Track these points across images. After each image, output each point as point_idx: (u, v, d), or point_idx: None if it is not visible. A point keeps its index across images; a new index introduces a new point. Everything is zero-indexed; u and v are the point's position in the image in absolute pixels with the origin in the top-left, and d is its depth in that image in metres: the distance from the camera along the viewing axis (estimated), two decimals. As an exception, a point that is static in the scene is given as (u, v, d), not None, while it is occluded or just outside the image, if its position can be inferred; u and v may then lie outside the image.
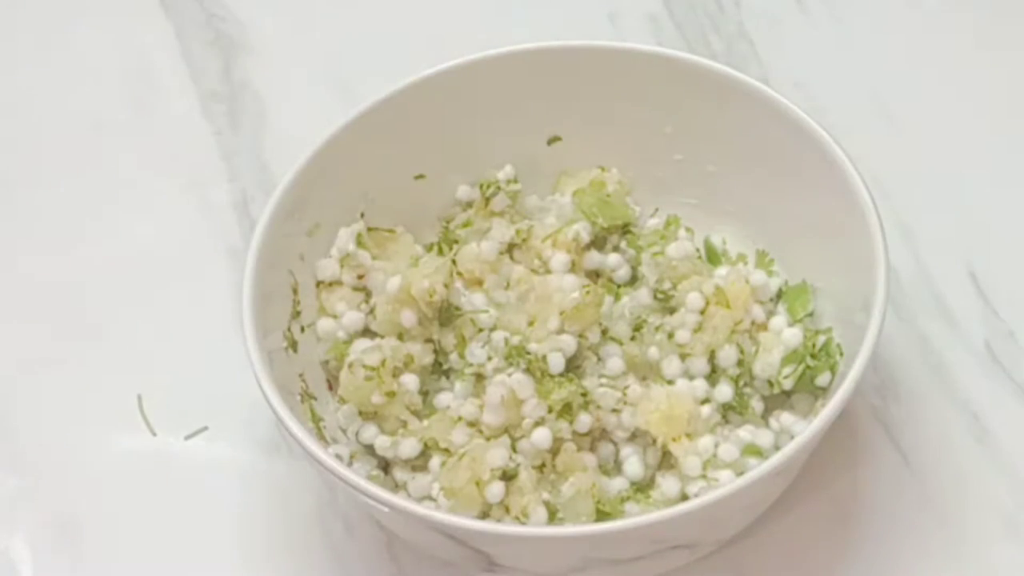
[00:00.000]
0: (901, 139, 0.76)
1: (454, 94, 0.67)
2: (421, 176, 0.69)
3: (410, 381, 0.63)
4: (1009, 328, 0.69)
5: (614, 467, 0.62)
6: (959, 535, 0.63)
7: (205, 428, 0.67)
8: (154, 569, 0.64)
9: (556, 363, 0.62)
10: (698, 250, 0.68)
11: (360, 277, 0.66)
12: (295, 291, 0.64)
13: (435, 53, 0.68)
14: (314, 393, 0.64)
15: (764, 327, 0.64)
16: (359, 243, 0.66)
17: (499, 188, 0.69)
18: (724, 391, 0.63)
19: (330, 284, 0.66)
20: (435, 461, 0.61)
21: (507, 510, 0.60)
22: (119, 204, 0.77)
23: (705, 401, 0.63)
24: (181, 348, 0.70)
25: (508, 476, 0.60)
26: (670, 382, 0.63)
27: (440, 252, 0.67)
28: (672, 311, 0.65)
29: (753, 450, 0.61)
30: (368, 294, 0.66)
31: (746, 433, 0.62)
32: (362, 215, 0.67)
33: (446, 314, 0.64)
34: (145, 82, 0.82)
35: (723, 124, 0.67)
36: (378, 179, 0.67)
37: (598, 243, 0.68)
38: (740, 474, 0.59)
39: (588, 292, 0.63)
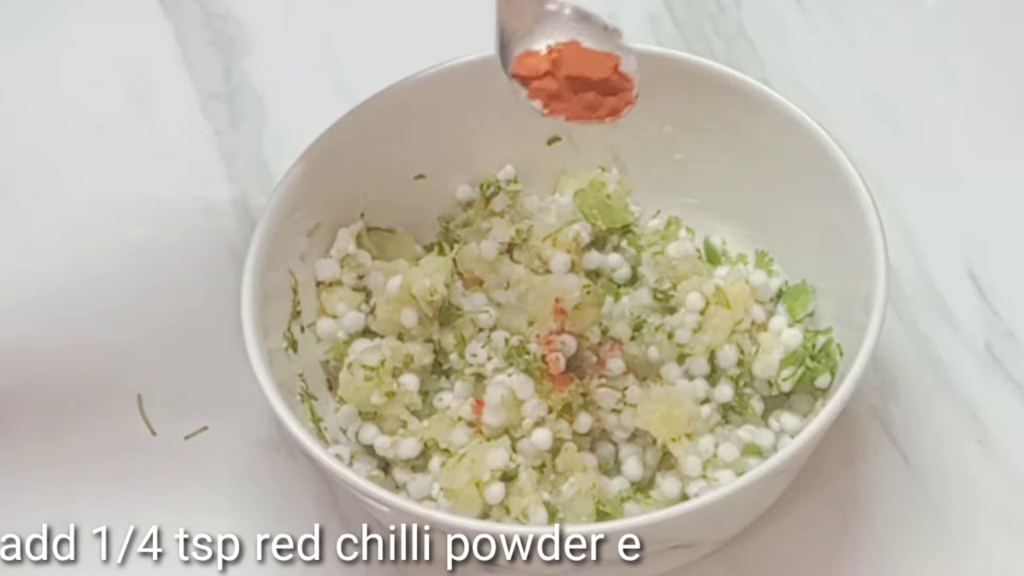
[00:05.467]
0: (901, 139, 0.76)
1: (454, 94, 0.67)
2: (421, 176, 0.69)
3: (410, 381, 0.63)
4: (1009, 328, 0.69)
5: (614, 467, 0.62)
6: (959, 535, 0.63)
7: (205, 428, 0.67)
8: (154, 568, 0.64)
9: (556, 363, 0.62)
10: (698, 250, 0.68)
11: (360, 277, 0.66)
12: (295, 291, 0.64)
13: (435, 53, 0.68)
14: (314, 393, 0.64)
15: (764, 327, 0.64)
16: (359, 243, 0.66)
17: (499, 188, 0.69)
18: (724, 391, 0.63)
19: (330, 284, 0.66)
20: (435, 461, 0.61)
21: (507, 511, 0.60)
22: (119, 204, 0.77)
23: (705, 401, 0.63)
24: (181, 348, 0.70)
25: (508, 477, 0.60)
26: (670, 383, 0.63)
27: (440, 252, 0.67)
28: (672, 311, 0.65)
29: (753, 450, 0.61)
30: (368, 294, 0.66)
31: (746, 433, 0.62)
32: (362, 215, 0.67)
33: (446, 314, 0.64)
34: (145, 82, 0.82)
35: (723, 124, 0.67)
36: (378, 179, 0.67)
37: (598, 243, 0.68)
38: (740, 474, 0.59)
39: (588, 292, 0.63)
